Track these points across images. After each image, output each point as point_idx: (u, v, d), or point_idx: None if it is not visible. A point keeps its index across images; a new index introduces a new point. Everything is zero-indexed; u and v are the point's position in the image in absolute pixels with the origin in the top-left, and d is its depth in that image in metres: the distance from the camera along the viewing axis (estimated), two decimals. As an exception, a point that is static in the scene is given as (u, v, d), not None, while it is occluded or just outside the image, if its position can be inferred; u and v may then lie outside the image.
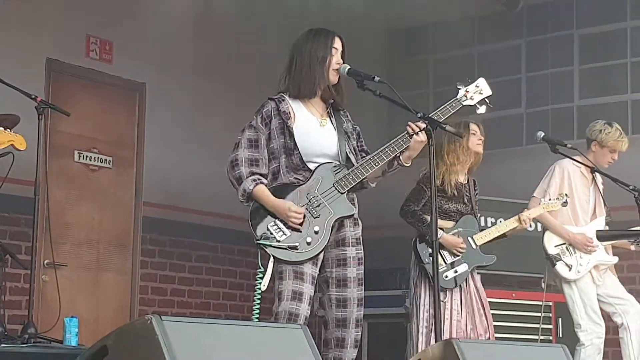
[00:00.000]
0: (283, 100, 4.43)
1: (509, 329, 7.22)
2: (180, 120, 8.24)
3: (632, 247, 6.43)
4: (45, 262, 6.94)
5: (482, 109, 4.63)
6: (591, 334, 6.12)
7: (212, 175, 7.84)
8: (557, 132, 7.75)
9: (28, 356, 4.91)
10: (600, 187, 6.38)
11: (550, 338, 7.31)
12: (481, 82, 4.63)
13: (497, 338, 6.76)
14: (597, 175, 6.33)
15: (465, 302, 5.77)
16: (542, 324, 6.93)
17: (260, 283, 4.26)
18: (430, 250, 5.63)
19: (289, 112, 4.41)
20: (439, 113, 4.47)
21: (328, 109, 4.53)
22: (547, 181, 6.29)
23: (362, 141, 4.62)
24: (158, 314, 2.99)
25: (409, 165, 4.46)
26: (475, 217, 5.94)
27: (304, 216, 4.28)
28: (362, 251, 4.47)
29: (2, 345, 4.79)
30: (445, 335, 5.58)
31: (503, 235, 5.96)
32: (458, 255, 5.77)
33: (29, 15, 7.17)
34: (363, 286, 4.43)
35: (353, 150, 4.51)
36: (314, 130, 4.43)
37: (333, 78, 4.47)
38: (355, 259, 4.41)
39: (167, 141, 8.11)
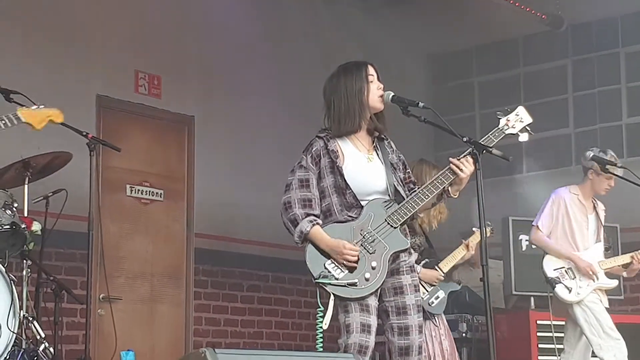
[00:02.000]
0: (331, 137, 4.42)
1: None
2: (228, 151, 8.32)
3: (624, 274, 6.48)
4: (101, 296, 7.03)
5: (524, 137, 4.64)
6: (614, 350, 6.07)
7: (261, 205, 7.94)
8: (606, 151, 7.68)
9: (86, 390, 4.97)
10: (602, 213, 6.46)
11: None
12: (521, 110, 4.62)
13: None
14: (598, 202, 6.43)
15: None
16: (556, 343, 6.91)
17: (321, 322, 4.28)
18: None
19: (337, 151, 4.40)
20: (482, 144, 4.45)
21: (374, 142, 4.53)
22: (542, 210, 6.43)
23: (409, 172, 4.62)
24: (212, 345, 3.03)
25: (456, 197, 4.47)
26: (431, 247, 6.02)
27: (359, 253, 4.30)
28: (417, 278, 4.48)
29: (61, 379, 4.85)
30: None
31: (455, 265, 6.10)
32: (434, 285, 5.88)
33: (78, 53, 7.31)
34: (421, 312, 4.44)
35: (401, 182, 4.51)
36: (363, 168, 4.43)
37: (379, 105, 4.46)
38: (412, 286, 4.41)
39: (217, 173, 8.19)
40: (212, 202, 8.13)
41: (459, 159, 4.36)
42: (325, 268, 4.28)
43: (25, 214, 5.52)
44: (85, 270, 6.32)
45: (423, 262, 5.93)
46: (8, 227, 5.22)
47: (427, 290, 5.86)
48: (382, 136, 4.55)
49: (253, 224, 8.31)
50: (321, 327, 4.29)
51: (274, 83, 8.58)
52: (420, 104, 4.40)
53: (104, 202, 6.89)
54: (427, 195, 4.36)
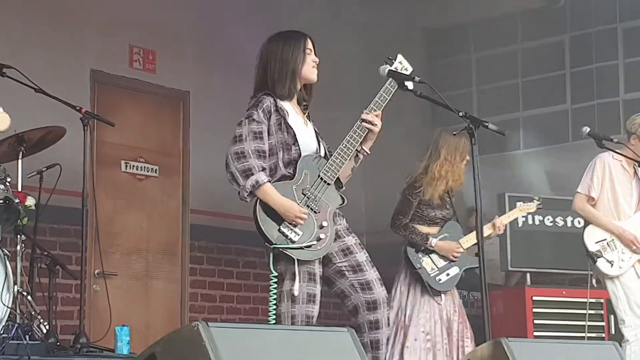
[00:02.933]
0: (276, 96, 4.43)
1: (559, 327, 7.16)
2: (224, 127, 8.25)
3: None
4: (96, 271, 7.02)
5: (410, 85, 4.48)
6: (635, 329, 6.03)
7: (257, 181, 7.89)
8: (603, 127, 7.66)
9: (81, 365, 4.97)
10: None
11: (603, 335, 7.23)
12: (400, 57, 4.58)
13: (547, 336, 6.74)
14: (639, 168, 6.26)
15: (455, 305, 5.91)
16: (595, 321, 6.87)
17: (274, 288, 4.24)
18: (420, 255, 5.92)
19: (285, 110, 4.41)
20: (378, 101, 4.41)
21: (304, 110, 4.55)
22: (590, 175, 6.23)
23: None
24: (206, 320, 3.01)
25: (369, 154, 4.47)
26: (457, 221, 6.08)
27: (310, 212, 4.29)
28: (357, 238, 4.46)
29: (55, 355, 4.84)
30: (444, 339, 5.80)
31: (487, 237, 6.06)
32: (454, 260, 5.90)
33: (72, 28, 7.26)
34: (376, 268, 4.43)
35: (325, 149, 4.53)
36: (303, 129, 4.46)
37: (312, 77, 4.49)
38: (358, 245, 4.42)
39: (212, 148, 8.11)
40: (207, 178, 8.09)
41: (367, 113, 4.37)
42: (281, 232, 4.25)
43: (19, 189, 5.49)
44: (79, 246, 6.30)
45: (441, 236, 5.94)
46: (1, 201, 5.18)
47: (436, 267, 5.88)
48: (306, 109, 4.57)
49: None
50: (274, 293, 4.23)
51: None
52: (417, 79, 4.40)
53: (99, 178, 6.86)
54: (350, 149, 4.38)
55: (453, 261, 5.93)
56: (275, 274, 4.25)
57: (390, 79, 4.44)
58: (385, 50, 4.64)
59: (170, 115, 8.10)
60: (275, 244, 4.24)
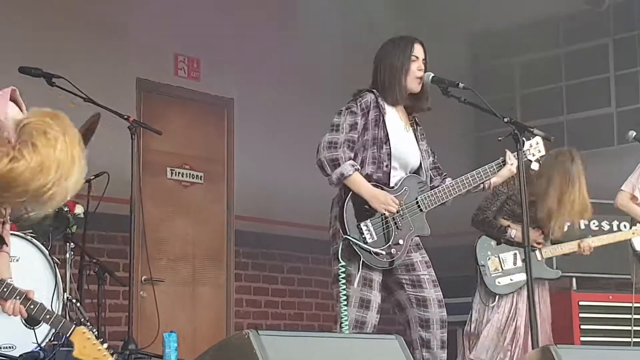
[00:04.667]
0: (379, 95, 4.45)
1: (606, 332, 7.10)
2: (269, 134, 8.34)
3: None
4: (143, 278, 7.09)
5: (535, 166, 4.70)
6: None
7: (301, 186, 7.95)
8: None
9: (130, 371, 5.03)
10: None
11: (651, 340, 7.15)
12: (539, 140, 4.67)
13: (594, 342, 6.68)
14: None
15: (518, 311, 5.79)
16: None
17: (343, 277, 4.23)
18: (489, 253, 5.76)
19: (384, 108, 4.43)
20: (524, 124, 4.43)
21: (412, 123, 4.54)
22: (636, 176, 6.18)
23: (436, 159, 4.65)
24: (255, 327, 3.04)
25: (490, 190, 4.53)
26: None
27: (391, 226, 4.30)
28: (427, 255, 4.46)
29: (105, 361, 4.89)
30: (488, 339, 5.65)
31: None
32: (535, 248, 5.76)
33: (118, 38, 7.35)
34: (439, 288, 4.41)
35: (426, 168, 4.54)
36: (402, 133, 4.46)
37: (413, 86, 4.47)
38: (423, 262, 4.41)
39: (257, 155, 8.21)
40: (252, 184, 8.16)
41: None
42: (359, 227, 4.27)
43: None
44: (127, 253, 6.38)
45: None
46: (51, 210, 5.26)
47: (501, 269, 5.73)
48: (419, 124, 4.56)
49: (293, 205, 8.33)
50: (344, 283, 4.23)
51: (317, 68, 8.57)
52: (460, 85, 4.41)
53: (145, 185, 6.91)
54: (462, 188, 4.39)
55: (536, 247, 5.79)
56: (343, 263, 4.24)
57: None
58: (429, 55, 4.65)
59: (215, 122, 8.17)
60: (348, 236, 4.24)
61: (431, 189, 4.45)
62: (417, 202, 4.37)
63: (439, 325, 4.33)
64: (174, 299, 7.47)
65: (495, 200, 5.77)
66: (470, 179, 4.44)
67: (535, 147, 4.65)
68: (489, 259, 5.75)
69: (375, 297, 4.29)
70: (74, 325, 3.45)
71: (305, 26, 8.41)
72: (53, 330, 4.98)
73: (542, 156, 4.70)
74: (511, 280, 5.74)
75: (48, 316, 3.43)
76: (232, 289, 8.01)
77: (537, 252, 5.80)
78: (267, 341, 2.99)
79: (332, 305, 8.65)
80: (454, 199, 4.51)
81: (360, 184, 4.26)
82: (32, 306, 3.39)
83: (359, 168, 4.30)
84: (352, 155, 4.32)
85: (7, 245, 3.48)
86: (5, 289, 3.35)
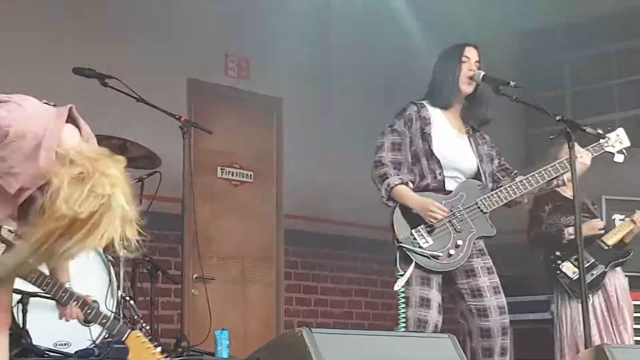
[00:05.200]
0: (424, 106, 4.49)
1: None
2: (317, 133, 8.36)
3: None
4: (194, 276, 7.14)
5: (619, 158, 4.69)
6: None
7: (351, 186, 7.96)
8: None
9: (183, 369, 5.08)
10: None
11: None
12: (621, 132, 4.65)
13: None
14: None
15: (606, 304, 5.75)
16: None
17: (402, 289, 4.27)
18: (558, 262, 5.79)
19: (428, 118, 4.45)
20: (575, 122, 4.41)
21: (468, 129, 4.54)
22: None
23: (503, 160, 4.63)
24: (307, 325, 3.06)
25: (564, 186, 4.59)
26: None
27: (446, 228, 4.30)
28: (490, 261, 4.45)
29: (158, 358, 4.94)
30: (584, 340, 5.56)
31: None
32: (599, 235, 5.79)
33: (169, 39, 7.41)
34: (502, 294, 4.40)
35: (490, 173, 4.54)
36: (451, 141, 4.47)
37: (463, 87, 4.48)
38: (484, 269, 4.40)
39: (305, 154, 8.23)
40: (301, 183, 8.18)
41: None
42: (412, 234, 4.29)
43: (121, 197, 5.62)
44: (178, 251, 6.46)
45: None
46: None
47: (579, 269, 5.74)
48: (478, 130, 4.56)
49: (342, 204, 8.34)
50: (403, 291, 4.26)
51: (362, 64, 8.57)
52: (512, 83, 4.40)
53: (196, 184, 6.95)
54: (526, 186, 4.39)
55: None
56: (401, 272, 4.28)
57: (597, 144, 4.48)
58: (481, 54, 4.64)
59: (264, 121, 8.21)
60: (401, 243, 4.28)
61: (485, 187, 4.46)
62: (477, 204, 4.37)
63: (500, 333, 4.33)
64: (225, 297, 7.52)
65: (541, 217, 5.81)
66: (537, 176, 4.43)
67: (617, 139, 4.63)
68: (562, 266, 5.76)
69: (435, 296, 4.30)
70: (129, 330, 3.51)
71: (354, 29, 8.43)
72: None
73: (626, 147, 4.66)
74: (592, 275, 5.76)
75: (104, 320, 3.50)
76: (281, 287, 8.05)
77: (600, 241, 5.79)
78: (319, 339, 3.01)
79: (381, 304, 8.72)
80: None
81: (405, 195, 4.34)
82: (89, 311, 3.47)
83: (407, 182, 4.36)
84: (400, 173, 4.39)
85: None
86: (63, 294, 3.42)
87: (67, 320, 3.50)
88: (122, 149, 5.64)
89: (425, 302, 4.27)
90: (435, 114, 4.48)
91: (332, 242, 8.40)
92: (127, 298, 5.43)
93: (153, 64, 7.20)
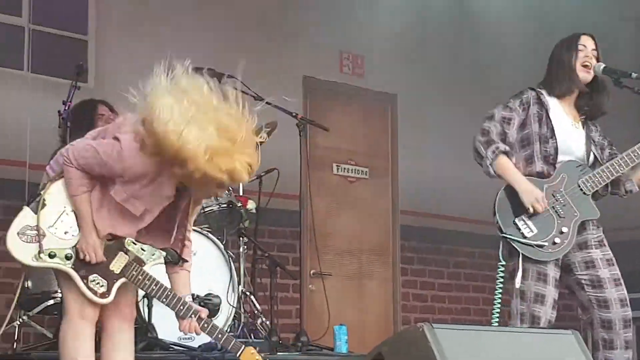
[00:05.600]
0: (542, 93, 4.45)
1: None
2: (432, 128, 8.33)
3: None
4: (312, 272, 7.22)
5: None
6: None
7: (466, 182, 7.87)
8: None
9: (302, 363, 5.14)
10: None
11: None
12: None
13: None
14: None
15: None
16: None
17: (501, 276, 4.23)
18: None
19: (547, 104, 4.41)
20: None
21: (582, 118, 4.47)
22: None
23: (614, 149, 4.53)
24: (428, 321, 3.08)
25: None
26: None
27: (549, 215, 4.24)
28: (610, 253, 4.36)
29: (278, 353, 5.02)
30: None
31: None
32: None
33: (285, 37, 7.51)
34: (623, 286, 4.32)
35: (600, 159, 4.45)
36: (567, 129, 4.42)
37: (582, 75, 4.41)
38: (604, 260, 4.32)
39: (420, 149, 8.22)
40: (416, 179, 8.18)
41: None
42: (515, 224, 4.24)
43: (241, 193, 5.74)
44: (296, 247, 6.52)
45: None
46: (225, 205, 5.46)
47: None
48: (591, 122, 4.49)
49: (458, 200, 8.29)
50: (501, 283, 4.22)
51: (479, 63, 8.51)
52: (634, 75, 4.31)
53: (312, 181, 7.04)
54: (628, 163, 4.27)
55: None
56: (504, 262, 4.26)
57: None
58: (601, 46, 4.56)
59: (379, 118, 8.23)
60: (504, 234, 4.24)
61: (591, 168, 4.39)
62: (579, 185, 4.30)
63: (622, 325, 4.25)
64: (342, 292, 7.57)
65: None
66: (631, 154, 4.31)
67: None
68: None
69: (550, 292, 4.24)
70: (243, 346, 3.58)
71: (470, 24, 8.37)
72: (230, 322, 5.16)
73: None
74: None
75: (220, 335, 3.59)
76: (398, 283, 8.06)
77: None
78: (441, 334, 3.03)
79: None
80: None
81: (512, 171, 4.27)
82: (205, 325, 3.56)
83: (511, 152, 4.29)
84: (505, 142, 4.32)
85: (187, 262, 3.63)
86: (182, 307, 3.54)
87: (185, 334, 3.62)
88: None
89: (539, 298, 4.23)
90: (552, 102, 4.43)
91: (448, 238, 8.36)
92: (248, 293, 5.52)
93: (269, 63, 7.29)
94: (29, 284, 5.15)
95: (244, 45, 7.22)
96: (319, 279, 6.73)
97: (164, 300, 3.54)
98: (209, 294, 4.96)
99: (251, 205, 5.69)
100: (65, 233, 3.48)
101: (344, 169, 7.92)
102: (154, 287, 3.52)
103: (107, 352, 3.60)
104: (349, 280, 7.77)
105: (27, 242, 3.44)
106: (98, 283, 3.47)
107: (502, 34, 8.41)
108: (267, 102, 5.64)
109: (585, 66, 4.39)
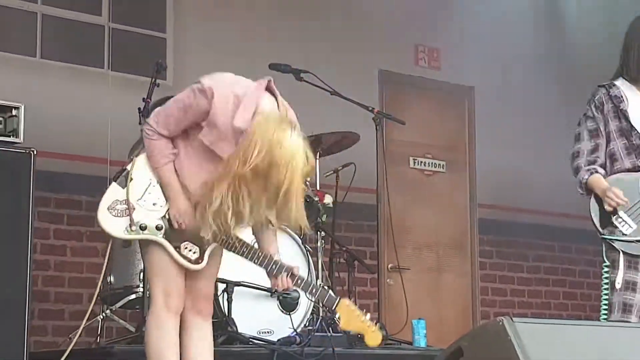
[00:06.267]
0: (613, 85, 4.39)
1: None
2: (509, 121, 8.24)
3: None
4: (389, 266, 7.20)
5: None
6: None
7: (545, 174, 7.81)
8: None
9: (381, 357, 5.13)
10: None
11: None
12: None
13: None
14: None
15: None
16: None
17: (606, 278, 4.20)
18: None
19: (621, 96, 4.35)
20: None
21: None
22: None
23: None
24: (509, 315, 3.04)
25: None
26: None
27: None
28: None
29: (357, 347, 5.02)
30: None
31: None
32: None
33: (361, 31, 7.50)
34: None
35: None
36: None
37: None
38: None
39: (497, 142, 8.14)
40: (493, 172, 8.10)
41: None
42: (612, 224, 4.20)
43: (318, 188, 5.76)
44: (373, 241, 6.52)
45: None
46: (302, 200, 5.46)
47: None
48: None
49: (537, 193, 8.19)
50: (607, 284, 4.18)
51: (556, 52, 8.39)
52: None
53: (389, 175, 7.02)
54: None
55: None
56: (607, 262, 4.24)
57: None
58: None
59: (455, 110, 8.17)
60: (604, 235, 4.23)
61: None
62: None
63: None
64: (420, 286, 7.54)
65: None
66: None
67: None
68: None
69: None
70: (338, 297, 3.59)
71: (548, 14, 8.26)
72: (308, 317, 5.18)
73: None
74: None
75: (314, 290, 3.60)
76: (477, 277, 8.00)
77: None
78: (521, 329, 2.98)
79: (580, 294, 8.51)
80: None
81: (594, 185, 4.28)
82: (299, 281, 3.56)
83: (599, 170, 4.30)
84: (596, 159, 4.33)
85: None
86: (274, 266, 3.55)
87: (278, 291, 3.62)
88: (317, 142, 5.75)
89: (631, 286, 4.18)
90: (628, 91, 4.35)
91: (527, 231, 8.26)
92: (326, 287, 5.52)
93: (346, 57, 7.29)
94: (112, 278, 5.25)
95: (321, 39, 7.24)
96: (396, 273, 6.70)
97: (255, 260, 3.54)
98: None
99: (328, 199, 5.70)
100: (154, 205, 3.54)
101: (421, 162, 7.88)
102: (245, 249, 3.53)
103: (184, 346, 3.64)
104: (426, 274, 7.74)
105: (117, 216, 3.52)
106: (190, 250, 3.53)
107: (583, 28, 8.29)
108: (343, 97, 5.72)
109: None
